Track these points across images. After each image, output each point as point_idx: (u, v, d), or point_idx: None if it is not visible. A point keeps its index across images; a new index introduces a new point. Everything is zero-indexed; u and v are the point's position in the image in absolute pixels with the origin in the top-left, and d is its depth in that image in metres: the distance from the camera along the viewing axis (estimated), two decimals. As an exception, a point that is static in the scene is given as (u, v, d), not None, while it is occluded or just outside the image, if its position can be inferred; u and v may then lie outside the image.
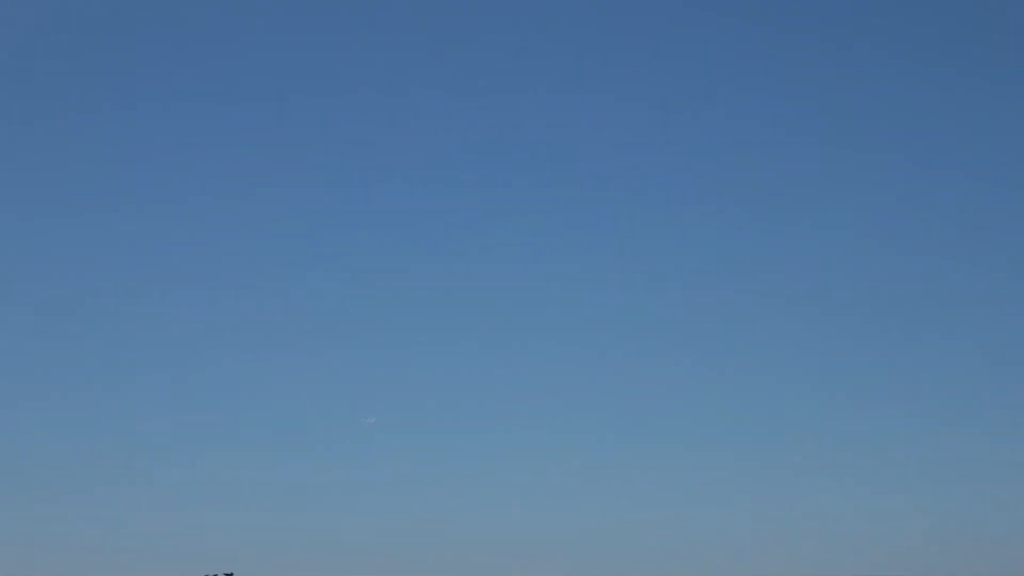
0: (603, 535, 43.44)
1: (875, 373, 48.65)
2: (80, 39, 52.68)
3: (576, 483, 45.28)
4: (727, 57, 54.11)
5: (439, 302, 50.39)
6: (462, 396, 48.35)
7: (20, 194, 50.52)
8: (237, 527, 43.18)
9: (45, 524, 42.41)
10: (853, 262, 51.43)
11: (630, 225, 52.02)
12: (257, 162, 52.30)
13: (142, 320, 48.95)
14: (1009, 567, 41.48)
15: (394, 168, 52.91)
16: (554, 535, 43.49)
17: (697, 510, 44.43)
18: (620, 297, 50.76)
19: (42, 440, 44.78)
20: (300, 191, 52.33)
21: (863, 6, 54.42)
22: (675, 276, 51.06)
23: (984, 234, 51.34)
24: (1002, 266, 50.18)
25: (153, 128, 52.40)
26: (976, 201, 51.74)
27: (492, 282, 51.05)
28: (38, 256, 49.69)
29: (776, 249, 51.59)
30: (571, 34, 54.45)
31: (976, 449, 45.61)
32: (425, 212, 51.76)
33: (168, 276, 49.81)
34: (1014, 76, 52.88)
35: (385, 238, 51.53)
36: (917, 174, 52.39)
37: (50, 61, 52.19)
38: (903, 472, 45.30)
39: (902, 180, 52.51)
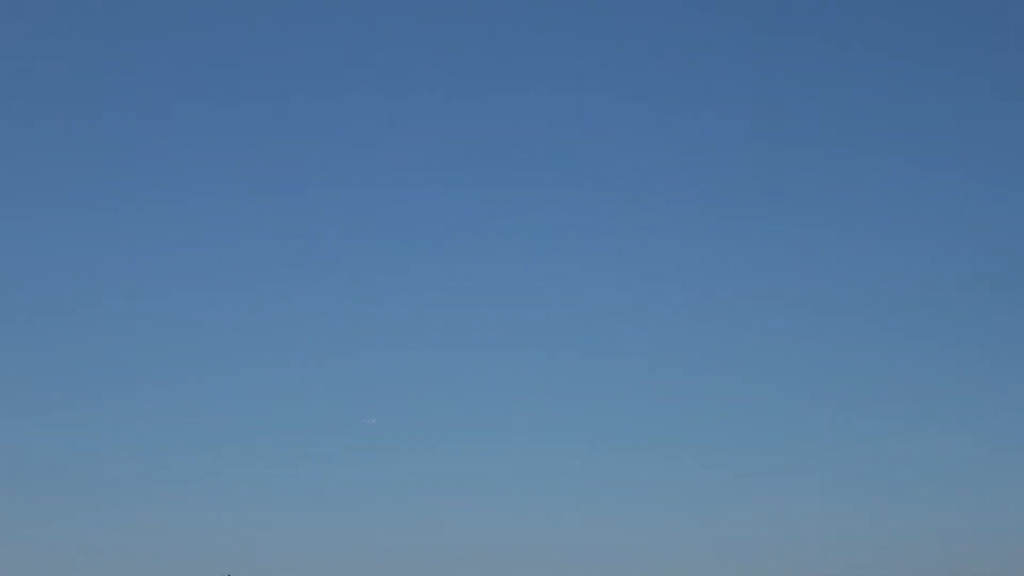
0: (603, 536, 43.50)
1: (874, 374, 48.68)
2: (81, 40, 52.63)
3: (576, 483, 45.29)
4: (726, 57, 54.07)
5: (440, 302, 50.40)
6: (463, 397, 48.35)
7: (21, 195, 50.49)
8: (237, 528, 43.22)
9: (44, 525, 42.43)
10: (851, 263, 51.45)
11: (632, 226, 52.02)
12: (256, 163, 52.25)
13: (141, 321, 48.90)
14: (1009, 568, 41.57)
15: (395, 169, 52.90)
16: (555, 536, 43.54)
17: (696, 511, 44.47)
18: (623, 298, 50.79)
19: (42, 441, 44.83)
20: (300, 192, 52.29)
21: (861, 6, 54.36)
22: (675, 277, 51.07)
23: (982, 235, 51.33)
24: (1002, 266, 50.25)
25: (151, 129, 52.33)
26: (975, 202, 51.77)
27: (493, 282, 51.08)
28: (39, 257, 49.69)
29: (774, 250, 51.57)
30: (570, 34, 54.41)
31: (973, 451, 45.69)
32: (427, 213, 51.75)
33: (167, 277, 49.80)
34: (1012, 76, 52.91)
35: (385, 238, 51.55)
36: (915, 175, 52.41)
37: (50, 62, 52.14)
38: (901, 473, 45.37)
39: (902, 182, 52.52)
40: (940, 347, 49.14)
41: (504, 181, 52.78)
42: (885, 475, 45.41)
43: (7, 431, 44.91)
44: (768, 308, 50.18)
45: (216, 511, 43.79)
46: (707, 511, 44.58)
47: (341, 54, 54.09)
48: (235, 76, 53.35)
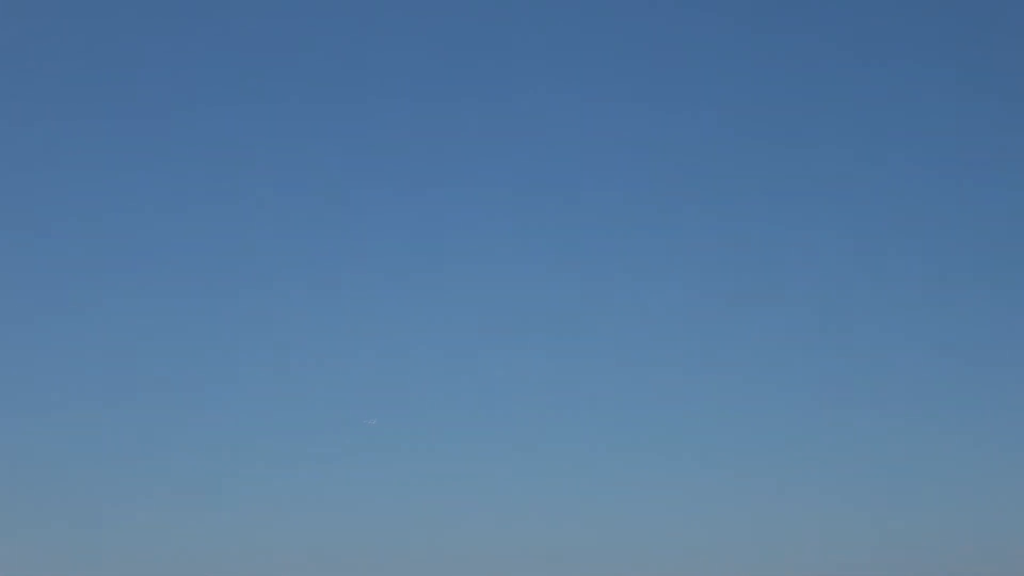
0: (604, 536, 43.45)
1: (874, 375, 48.57)
2: (80, 40, 52.68)
3: (577, 484, 45.26)
4: (725, 57, 54.12)
5: (440, 303, 50.33)
6: (463, 397, 48.32)
7: (21, 195, 50.56)
8: (237, 528, 43.19)
9: (44, 526, 42.43)
10: (852, 264, 51.32)
11: (632, 226, 51.98)
12: (256, 164, 52.21)
13: (139, 323, 48.86)
14: (1009, 568, 41.62)
15: (395, 170, 52.85)
16: (555, 536, 43.53)
17: (696, 511, 44.47)
18: (623, 298, 50.72)
19: (42, 442, 44.83)
20: (299, 193, 52.25)
21: (861, 6, 54.42)
22: (676, 277, 51.02)
23: (983, 236, 51.35)
24: (1003, 267, 50.31)
25: (149, 129, 52.30)
26: (976, 202, 51.80)
27: (493, 283, 51.03)
28: (40, 258, 49.73)
29: (774, 251, 51.54)
30: (567, 34, 54.40)
31: (974, 451, 45.60)
32: (427, 213, 51.74)
33: (166, 278, 49.69)
34: (1012, 76, 53.00)
35: (385, 239, 51.47)
36: (915, 175, 52.41)
37: (50, 62, 52.17)
38: (902, 473, 45.30)
39: (902, 182, 52.53)
40: (941, 348, 49.06)
41: (503, 181, 52.71)
42: (886, 475, 45.34)
43: (7, 432, 44.98)
44: (768, 308, 50.09)
45: (216, 512, 43.75)
46: (707, 511, 44.50)
47: (340, 55, 54.10)
48: (235, 77, 53.30)
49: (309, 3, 54.28)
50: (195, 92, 52.46)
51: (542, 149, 52.90)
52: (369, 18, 54.52)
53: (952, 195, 51.99)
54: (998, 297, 49.67)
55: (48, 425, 45.07)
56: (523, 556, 42.59)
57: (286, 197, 51.70)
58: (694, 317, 50.06)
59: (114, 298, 49.06)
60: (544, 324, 49.87)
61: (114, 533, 42.57)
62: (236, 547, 42.43)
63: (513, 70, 53.92)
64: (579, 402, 47.99)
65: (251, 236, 50.97)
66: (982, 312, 49.50)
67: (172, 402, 46.91)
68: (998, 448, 45.43)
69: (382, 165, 52.73)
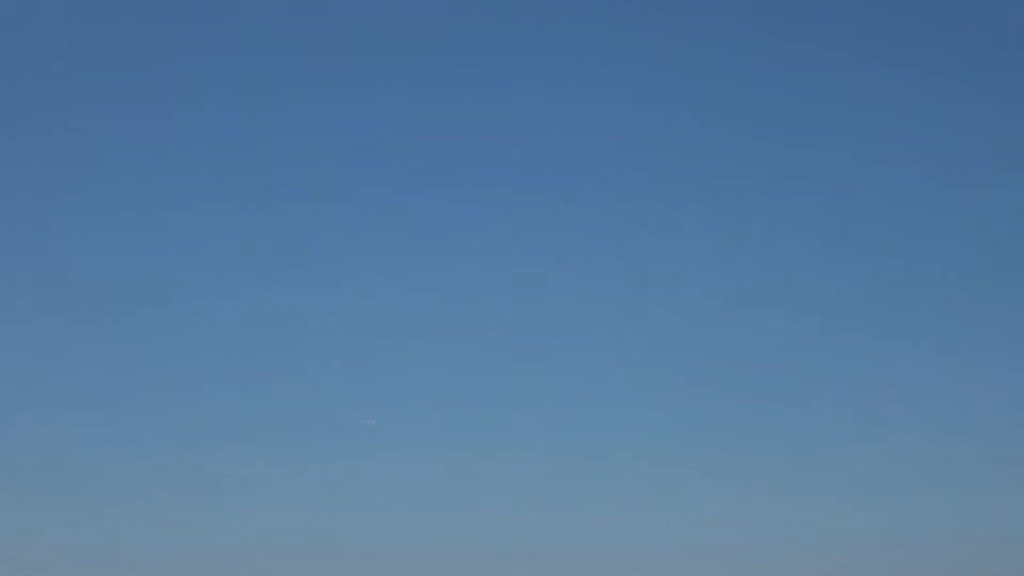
0: (603, 537, 43.51)
1: (871, 377, 48.60)
2: (80, 41, 52.69)
3: (577, 484, 45.30)
4: (720, 58, 54.12)
5: (439, 303, 50.35)
6: (462, 397, 48.36)
7: (23, 196, 50.60)
8: (235, 529, 43.22)
9: (45, 527, 42.49)
10: (852, 265, 51.36)
11: (632, 227, 51.98)
12: (254, 164, 52.22)
13: (139, 323, 48.89)
14: (1010, 569, 41.68)
15: (394, 171, 52.88)
16: (555, 537, 43.57)
17: (697, 512, 44.53)
18: (623, 299, 50.74)
19: (42, 443, 44.87)
20: (298, 192, 52.27)
21: (858, 8, 54.42)
22: (676, 278, 51.02)
23: (984, 236, 51.35)
24: (1004, 268, 50.35)
25: (148, 129, 52.31)
26: (975, 202, 51.82)
27: (492, 284, 51.05)
28: (42, 259, 49.77)
29: (774, 252, 51.56)
30: (566, 35, 54.40)
31: (975, 452, 45.69)
32: (427, 213, 51.74)
33: (166, 278, 49.71)
34: (1012, 76, 53.01)
35: (384, 238, 51.50)
36: (913, 176, 52.43)
37: (50, 63, 52.17)
38: (902, 475, 45.38)
39: (898, 182, 52.53)
40: (941, 349, 49.06)
41: (503, 181, 52.72)
42: (886, 476, 45.38)
43: (7, 432, 45.02)
44: (768, 308, 50.11)
45: (215, 512, 43.79)
46: (706, 512, 44.51)
47: (340, 55, 54.12)
48: (235, 78, 53.33)
49: (310, 3, 54.30)
50: (196, 92, 52.49)
51: (542, 149, 52.93)
52: (369, 18, 54.55)
53: (952, 195, 52.01)
54: (998, 298, 49.71)
55: (48, 425, 45.12)
56: (523, 556, 42.64)
57: (285, 197, 51.72)
58: (693, 318, 50.10)
59: (113, 298, 49.11)
60: (543, 324, 49.91)
61: (114, 533, 42.63)
62: (235, 547, 42.49)
63: (513, 70, 53.95)
64: (579, 402, 48.02)
65: (250, 236, 50.99)
66: (982, 313, 49.53)
67: (172, 402, 46.94)
68: (998, 449, 45.48)
69: (381, 165, 52.76)
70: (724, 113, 53.09)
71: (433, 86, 53.29)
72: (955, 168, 52.04)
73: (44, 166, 50.61)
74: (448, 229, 51.32)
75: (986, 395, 47.15)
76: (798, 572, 41.98)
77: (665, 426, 47.11)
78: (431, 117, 52.94)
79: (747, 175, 52.33)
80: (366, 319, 49.76)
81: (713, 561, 42.61)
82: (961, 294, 49.91)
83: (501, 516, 44.02)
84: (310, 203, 51.62)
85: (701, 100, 53.47)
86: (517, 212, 51.81)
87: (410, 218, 51.59)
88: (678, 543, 43.40)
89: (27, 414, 45.24)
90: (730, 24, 53.60)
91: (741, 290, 50.36)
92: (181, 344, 48.32)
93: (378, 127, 53.09)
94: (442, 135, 52.91)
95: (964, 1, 53.93)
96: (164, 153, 51.74)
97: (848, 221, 51.87)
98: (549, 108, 53.27)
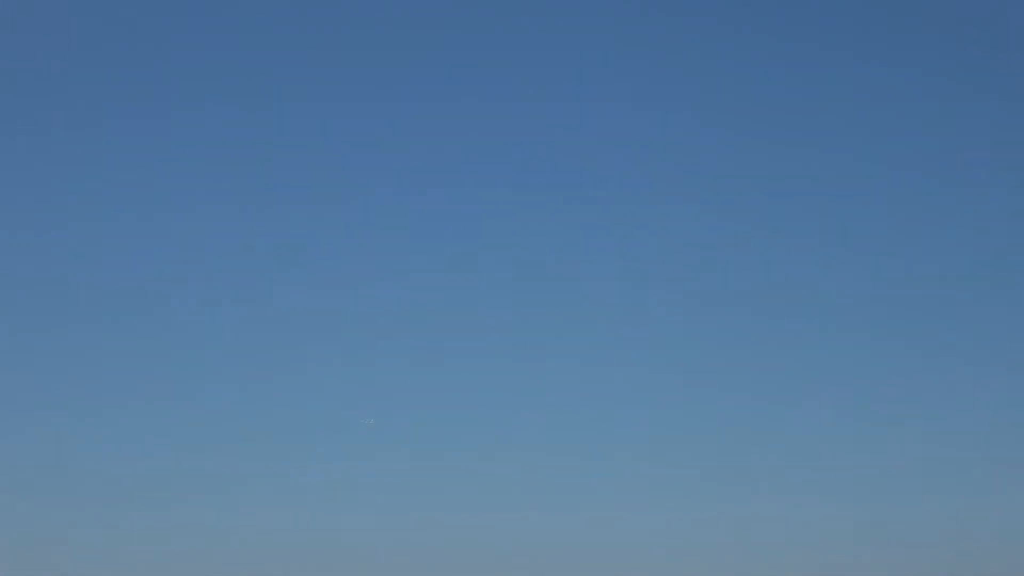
0: (603, 537, 43.50)
1: (867, 377, 48.58)
2: (80, 41, 52.67)
3: (577, 485, 45.29)
4: (720, 59, 54.09)
5: (439, 303, 50.33)
6: (461, 397, 48.35)
7: (23, 197, 50.58)
8: (235, 530, 43.22)
9: (43, 528, 42.49)
10: (853, 266, 51.34)
11: (631, 228, 51.95)
12: (253, 164, 52.21)
13: (139, 323, 48.88)
14: (1011, 569, 41.68)
15: (393, 172, 52.86)
16: (555, 537, 43.56)
17: (697, 513, 44.53)
18: (622, 300, 50.73)
19: (42, 445, 44.87)
20: (298, 193, 52.24)
21: (858, 8, 54.39)
22: (676, 280, 51.00)
23: (985, 237, 51.34)
24: (1004, 269, 50.34)
25: (148, 129, 52.28)
26: (974, 203, 51.80)
27: (492, 283, 51.02)
28: (41, 259, 49.73)
29: (775, 253, 51.53)
30: (566, 36, 54.39)
31: (974, 453, 45.71)
32: (427, 213, 51.73)
33: (165, 279, 49.69)
34: (1012, 76, 53.00)
35: (383, 238, 51.47)
36: (913, 177, 52.40)
37: (50, 63, 52.15)
38: (901, 477, 45.40)
39: (898, 183, 52.50)
40: (941, 350, 49.03)
41: (503, 181, 52.70)
42: (885, 477, 45.40)
43: (8, 432, 45.02)
44: (768, 310, 50.09)
45: (215, 511, 43.80)
46: (706, 513, 44.54)
47: (340, 55, 54.09)
48: (235, 78, 53.31)
49: (310, 3, 54.28)
50: (196, 92, 52.47)
51: (542, 149, 52.91)
52: (369, 18, 54.54)
53: (952, 195, 51.99)
54: (998, 298, 49.69)
55: (48, 426, 45.13)
56: (523, 556, 42.64)
57: (285, 197, 51.70)
58: (693, 318, 50.08)
59: (113, 298, 49.10)
60: (543, 324, 49.90)
61: (114, 533, 42.65)
62: (236, 547, 42.49)
63: (513, 70, 53.93)
64: (579, 402, 48.02)
65: (250, 236, 50.97)
66: (982, 313, 49.51)
67: (172, 402, 46.92)
68: (998, 449, 45.47)
69: (381, 165, 52.74)
70: (724, 113, 53.10)
71: (433, 86, 53.30)
72: (955, 168, 52.07)
73: (44, 166, 50.61)
74: (448, 229, 51.35)
75: (986, 395, 47.16)
76: (797, 572, 42.00)
77: (665, 426, 47.12)
78: (431, 117, 52.95)
79: (747, 175, 52.34)
80: (366, 319, 49.77)
81: (713, 561, 42.63)
82: (961, 294, 49.92)
83: (501, 516, 44.04)
84: (310, 203, 51.61)
85: (701, 100, 53.48)
86: (517, 212, 51.81)
87: (410, 218, 51.62)
88: (678, 543, 43.41)
89: (27, 414, 45.25)
90: (730, 24, 53.61)
91: (741, 290, 50.37)
92: (181, 344, 48.33)
93: (378, 127, 53.11)
94: (442, 135, 52.92)
95: (964, 1, 53.95)
96: (164, 153, 51.74)
97: (848, 221, 51.89)
98: (549, 108, 53.27)
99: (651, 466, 45.64)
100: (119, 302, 48.81)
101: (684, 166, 52.72)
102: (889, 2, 54.36)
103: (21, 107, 50.95)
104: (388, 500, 44.54)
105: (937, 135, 52.66)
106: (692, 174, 52.52)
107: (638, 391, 48.09)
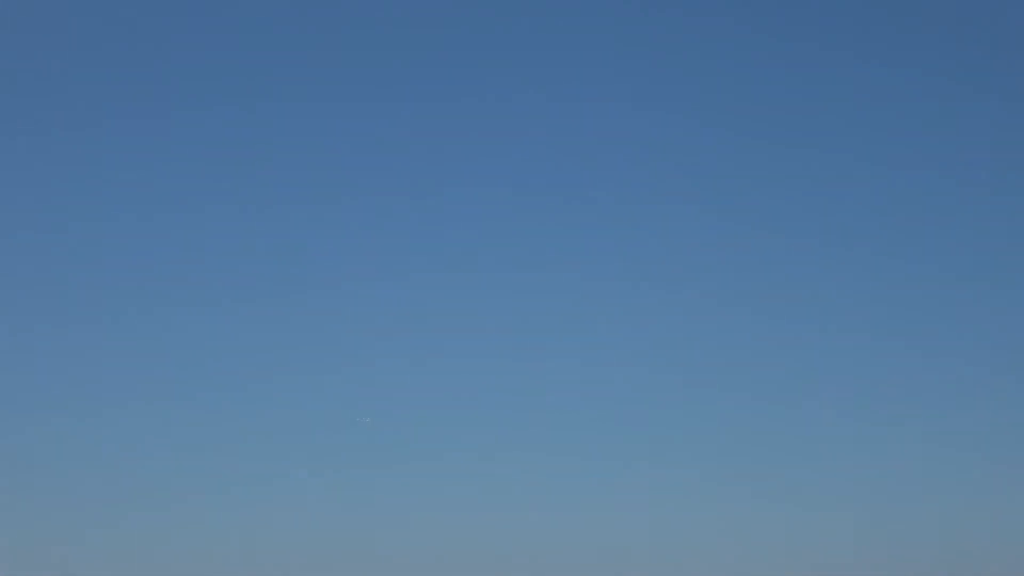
0: (602, 537, 43.49)
1: (867, 377, 48.57)
2: (80, 41, 52.68)
3: (576, 484, 45.29)
4: (720, 59, 54.09)
5: (438, 303, 50.34)
6: (460, 397, 48.34)
7: (23, 196, 50.59)
8: (235, 530, 43.21)
9: (43, 528, 42.48)
10: (853, 267, 51.35)
11: (631, 229, 51.95)
12: (252, 165, 52.20)
13: (137, 323, 48.89)
14: (1011, 570, 41.69)
15: (392, 171, 52.85)
16: (555, 537, 43.55)
17: (696, 513, 44.53)
18: (622, 301, 50.72)
19: (42, 445, 44.89)
20: (298, 193, 52.25)
21: (858, 8, 54.38)
22: (676, 280, 50.99)
23: (985, 238, 51.34)
24: (1003, 269, 50.35)
25: (147, 130, 52.28)
26: (974, 203, 51.80)
27: (492, 283, 51.03)
28: (41, 259, 49.74)
29: (774, 253, 51.54)
30: (566, 36, 54.39)
31: (974, 454, 45.72)
32: (427, 213, 51.75)
33: (165, 279, 49.70)
34: (1011, 76, 53.00)
35: (385, 239, 51.48)
36: (913, 177, 52.39)
37: (50, 63, 52.15)
38: (901, 478, 45.40)
39: (898, 183, 52.50)
40: (941, 350, 49.04)
41: (503, 181, 52.68)
42: (884, 478, 45.41)
43: (8, 433, 45.04)
44: (769, 310, 50.08)
45: (214, 511, 43.79)
46: (707, 512, 44.54)
47: (340, 55, 54.09)
48: (235, 78, 53.30)
49: (310, 3, 54.27)
50: (196, 92, 52.47)
51: (542, 149, 52.90)
52: (369, 18, 54.53)
53: (952, 195, 51.99)
54: (998, 298, 49.68)
55: (48, 426, 45.15)
56: (523, 556, 42.63)
57: (285, 197, 51.70)
58: (693, 318, 50.07)
59: (113, 298, 49.10)
60: (543, 324, 49.90)
61: (114, 534, 42.65)
62: (236, 548, 42.49)
63: (513, 70, 53.91)
64: (579, 402, 48.00)
65: (250, 236, 50.96)
66: (982, 313, 49.51)
67: (171, 402, 46.92)
68: (998, 449, 45.47)
69: (381, 165, 52.73)
70: (724, 113, 53.10)
71: (433, 86, 53.30)
72: (955, 168, 52.07)
73: (44, 166, 50.61)
74: (448, 229, 51.35)
75: (986, 395, 47.16)
76: (797, 572, 42.00)
77: (665, 426, 47.12)
78: (431, 117, 52.94)
79: (747, 175, 52.34)
80: (366, 319, 49.77)
81: (713, 561, 42.62)
82: (961, 294, 49.92)
83: (501, 516, 44.04)
84: (310, 203, 51.61)
85: (701, 100, 53.48)
86: (517, 212, 51.81)
87: (410, 218, 51.62)
88: (678, 543, 43.41)
89: (27, 414, 45.26)
90: (730, 24, 53.60)
91: (741, 290, 50.37)
92: (181, 344, 48.32)
93: (378, 127, 53.10)
94: (442, 135, 52.91)
95: (964, 1, 53.95)
96: (164, 153, 51.73)
97: (848, 221, 51.88)
98: (549, 108, 53.26)
99: (651, 466, 45.67)
100: (119, 302, 48.87)
101: (684, 166, 52.75)
102: (889, 2, 54.41)
103: (21, 107, 51.03)
104: (388, 500, 44.59)
105: (937, 135, 52.71)
106: (692, 174, 52.55)
107: (638, 391, 48.13)
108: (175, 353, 48.10)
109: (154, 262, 49.89)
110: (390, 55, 53.41)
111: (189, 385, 47.25)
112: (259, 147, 52.11)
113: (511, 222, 51.70)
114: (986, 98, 52.50)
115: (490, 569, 41.97)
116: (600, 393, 47.97)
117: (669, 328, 49.79)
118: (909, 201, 51.95)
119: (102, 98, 51.88)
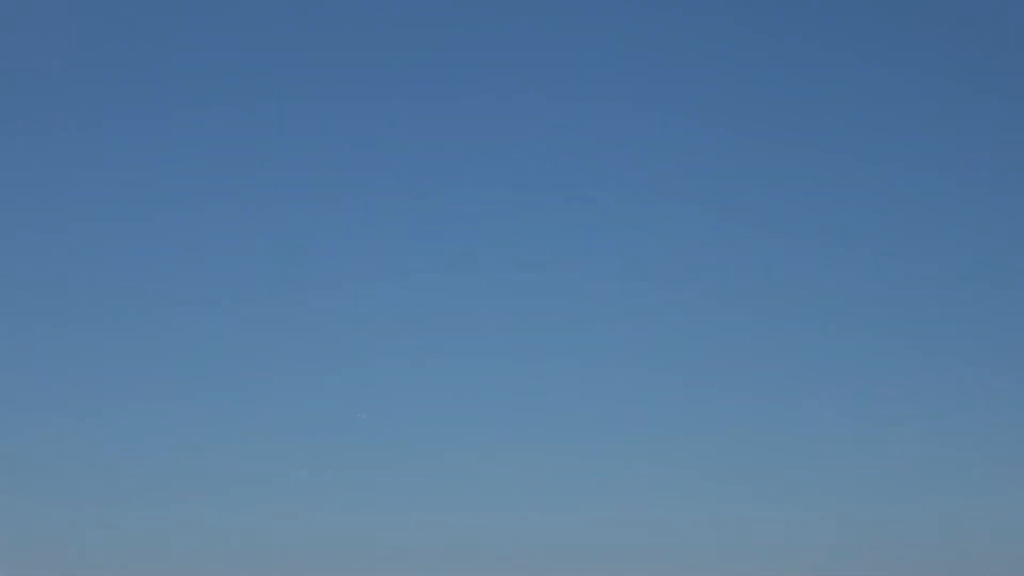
0: (601, 537, 43.46)
1: (867, 377, 48.55)
2: (80, 41, 52.66)
3: (576, 484, 45.27)
4: (720, 59, 54.06)
5: (439, 304, 50.30)
6: (460, 397, 48.32)
7: (23, 196, 50.56)
8: (235, 530, 43.18)
9: (44, 528, 42.47)
10: (852, 267, 51.32)
11: (630, 230, 51.93)
12: (252, 165, 52.17)
13: (137, 323, 48.87)
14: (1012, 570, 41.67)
15: (392, 171, 52.83)
16: (555, 537, 43.53)
17: (696, 514, 44.52)
18: (621, 301, 50.71)
19: (42, 445, 44.86)
20: (297, 193, 52.23)
21: (858, 8, 54.36)
22: (676, 280, 50.95)
23: (984, 238, 51.32)
24: (1003, 269, 50.32)
25: (147, 130, 52.25)
26: (974, 203, 51.77)
27: (491, 284, 51.01)
28: (41, 259, 49.73)
29: (774, 254, 51.51)
30: (566, 36, 54.37)
31: (974, 454, 45.70)
32: (427, 215, 51.72)
33: (165, 279, 49.67)
34: (1011, 76, 52.97)
35: (385, 239, 51.46)
36: (913, 177, 52.34)
37: (50, 63, 52.13)
38: (901, 478, 45.38)
39: (898, 183, 52.46)
40: (941, 350, 49.02)
41: (503, 181, 52.67)
42: (886, 477, 45.38)
43: (9, 433, 45.03)
44: (768, 310, 50.06)
45: (216, 513, 43.78)
46: (707, 512, 44.52)
47: (340, 55, 54.06)
48: (235, 78, 53.28)
49: (310, 3, 54.25)
50: (196, 92, 52.45)
51: (542, 149, 52.89)
52: (369, 18, 54.52)
53: (952, 195, 51.98)
54: (998, 298, 49.66)
55: (48, 426, 45.14)
56: (523, 556, 42.61)
57: (285, 197, 51.69)
58: (693, 318, 50.06)
59: (113, 298, 49.09)
60: (543, 324, 49.89)
61: (113, 533, 42.63)
62: (236, 548, 42.47)
63: (513, 70, 53.89)
64: (579, 402, 47.99)
65: (250, 236, 50.95)
66: (982, 313, 49.50)
67: (171, 402, 46.91)
68: (998, 449, 45.46)
69: (381, 165, 52.71)
70: (724, 113, 53.08)
71: (433, 86, 53.28)
72: (955, 168, 52.05)
73: (44, 166, 50.60)
74: (448, 229, 51.33)
75: (986, 395, 47.15)
76: (797, 572, 41.98)
77: (665, 426, 47.11)
78: (431, 117, 52.93)
79: (747, 175, 52.32)
80: (366, 319, 49.76)
81: (713, 561, 42.62)
82: (961, 294, 49.91)
83: (501, 516, 44.03)
84: (310, 203, 51.60)
85: (701, 100, 53.46)
86: (517, 212, 51.79)
87: (410, 218, 51.61)
88: (678, 543, 43.39)
89: (27, 414, 45.24)
90: (730, 24, 53.58)
91: (741, 290, 50.35)
92: (181, 344, 48.32)
93: (378, 127, 53.09)
94: (442, 135, 52.89)
95: (964, 1, 53.94)
96: (164, 153, 51.71)
97: (848, 221, 51.86)
98: (549, 108, 53.24)
99: (651, 466, 45.65)
100: (119, 302, 48.86)
101: (684, 166, 52.73)
102: (889, 2, 54.40)
103: (21, 107, 51.03)
104: (388, 500, 44.58)
105: (937, 135, 52.70)
106: (692, 174, 52.53)
107: (638, 391, 48.12)
108: (175, 353, 48.14)
109: (154, 262, 49.93)
110: (390, 55, 53.44)
111: (189, 385, 47.30)
112: (259, 147, 52.13)
113: (511, 222, 51.73)
114: (986, 98, 52.50)
115: (490, 569, 41.99)
116: (600, 393, 48.00)
117: (669, 328, 49.81)
118: (909, 201, 51.98)
119: (102, 98, 51.92)
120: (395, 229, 51.36)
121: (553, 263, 51.00)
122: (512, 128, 53.23)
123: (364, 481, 45.02)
